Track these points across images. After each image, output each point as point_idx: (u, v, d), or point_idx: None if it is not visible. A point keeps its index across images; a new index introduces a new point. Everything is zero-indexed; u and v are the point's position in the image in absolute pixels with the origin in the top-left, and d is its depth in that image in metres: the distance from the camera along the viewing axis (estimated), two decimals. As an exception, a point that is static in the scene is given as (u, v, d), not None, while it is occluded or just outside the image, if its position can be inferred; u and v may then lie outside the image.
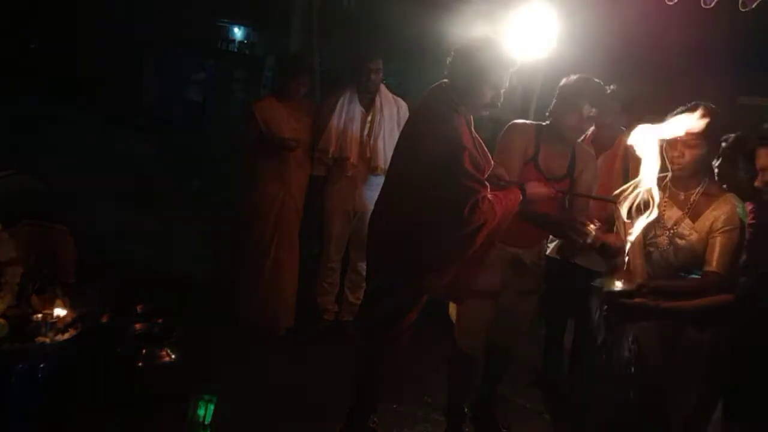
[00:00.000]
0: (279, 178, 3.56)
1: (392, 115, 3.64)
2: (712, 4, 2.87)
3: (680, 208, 2.22)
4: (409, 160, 2.37)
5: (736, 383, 1.80)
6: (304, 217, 3.76)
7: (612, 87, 3.09)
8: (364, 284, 3.90)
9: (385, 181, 2.58)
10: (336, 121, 3.60)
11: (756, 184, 1.87)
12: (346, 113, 3.61)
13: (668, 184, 2.27)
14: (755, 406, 1.71)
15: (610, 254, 2.28)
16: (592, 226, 2.42)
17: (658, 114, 2.20)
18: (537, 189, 2.40)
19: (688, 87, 3.40)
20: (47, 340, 2.14)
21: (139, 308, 3.20)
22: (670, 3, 3.00)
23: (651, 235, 2.26)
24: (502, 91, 2.33)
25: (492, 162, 2.43)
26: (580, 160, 2.65)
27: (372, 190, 3.59)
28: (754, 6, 2.71)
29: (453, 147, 2.22)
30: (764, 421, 1.70)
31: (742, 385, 1.77)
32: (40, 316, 2.18)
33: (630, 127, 2.10)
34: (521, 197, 2.34)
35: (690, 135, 2.12)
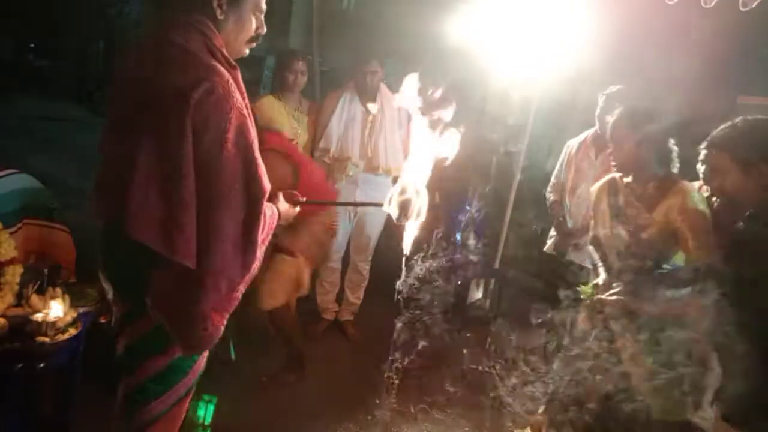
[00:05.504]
0: (279, 178, 3.54)
1: (393, 114, 3.64)
2: (713, 4, 2.86)
3: (638, 201, 2.30)
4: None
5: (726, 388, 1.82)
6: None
7: (617, 88, 3.09)
8: (364, 284, 3.91)
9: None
10: (337, 121, 3.59)
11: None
12: (347, 113, 3.60)
13: (627, 182, 2.35)
14: (745, 411, 1.72)
15: None
16: None
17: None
18: None
19: (688, 87, 3.41)
20: (47, 340, 2.14)
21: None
22: (671, 3, 3.00)
23: (616, 230, 2.34)
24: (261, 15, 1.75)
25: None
26: None
27: (373, 190, 3.59)
28: (754, 6, 2.70)
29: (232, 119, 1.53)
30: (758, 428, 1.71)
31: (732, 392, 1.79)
32: (40, 316, 2.17)
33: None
34: None
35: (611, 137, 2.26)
